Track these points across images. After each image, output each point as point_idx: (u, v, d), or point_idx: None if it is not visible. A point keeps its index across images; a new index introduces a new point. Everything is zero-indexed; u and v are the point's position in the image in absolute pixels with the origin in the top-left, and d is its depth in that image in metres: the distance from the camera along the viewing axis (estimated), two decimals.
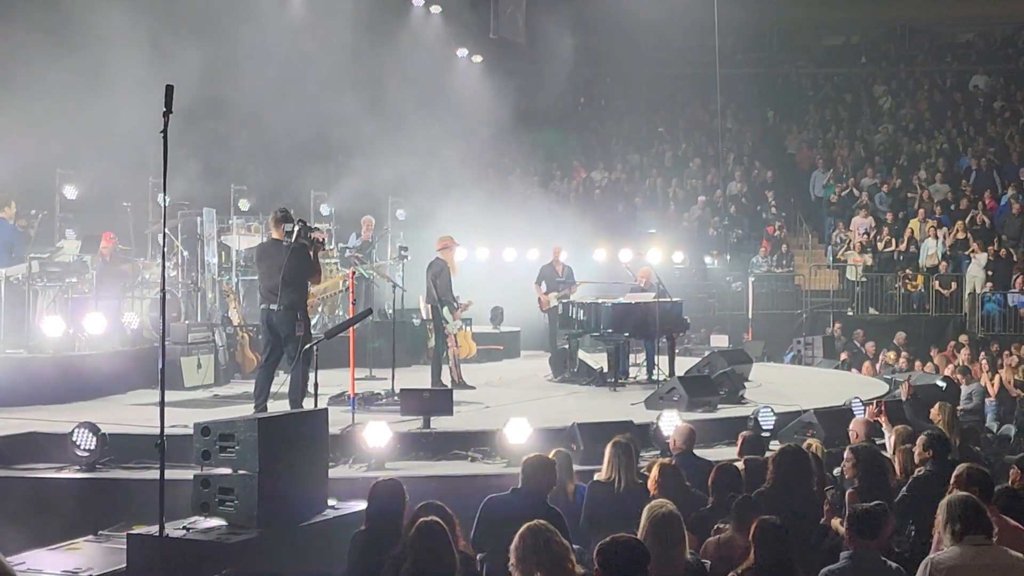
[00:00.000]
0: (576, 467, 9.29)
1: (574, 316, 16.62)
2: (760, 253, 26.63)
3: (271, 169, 21.52)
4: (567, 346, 17.08)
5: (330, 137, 22.38)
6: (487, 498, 7.73)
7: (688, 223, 27.79)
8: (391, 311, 16.24)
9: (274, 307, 11.73)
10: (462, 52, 27.05)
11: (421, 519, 6.46)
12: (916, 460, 8.98)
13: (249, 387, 12.81)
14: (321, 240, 12.33)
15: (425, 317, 15.55)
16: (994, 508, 7.00)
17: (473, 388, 15.17)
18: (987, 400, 18.31)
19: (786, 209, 28.34)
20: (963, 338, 21.93)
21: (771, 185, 29.18)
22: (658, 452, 10.85)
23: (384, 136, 24.14)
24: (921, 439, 9.01)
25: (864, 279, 24.91)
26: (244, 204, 19.17)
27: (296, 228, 11.75)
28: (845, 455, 8.82)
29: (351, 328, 12.13)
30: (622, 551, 5.32)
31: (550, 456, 8.21)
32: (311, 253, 11.85)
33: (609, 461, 8.47)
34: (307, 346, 11.45)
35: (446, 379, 15.07)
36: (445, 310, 14.78)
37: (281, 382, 12.15)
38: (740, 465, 8.83)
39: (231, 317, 16.08)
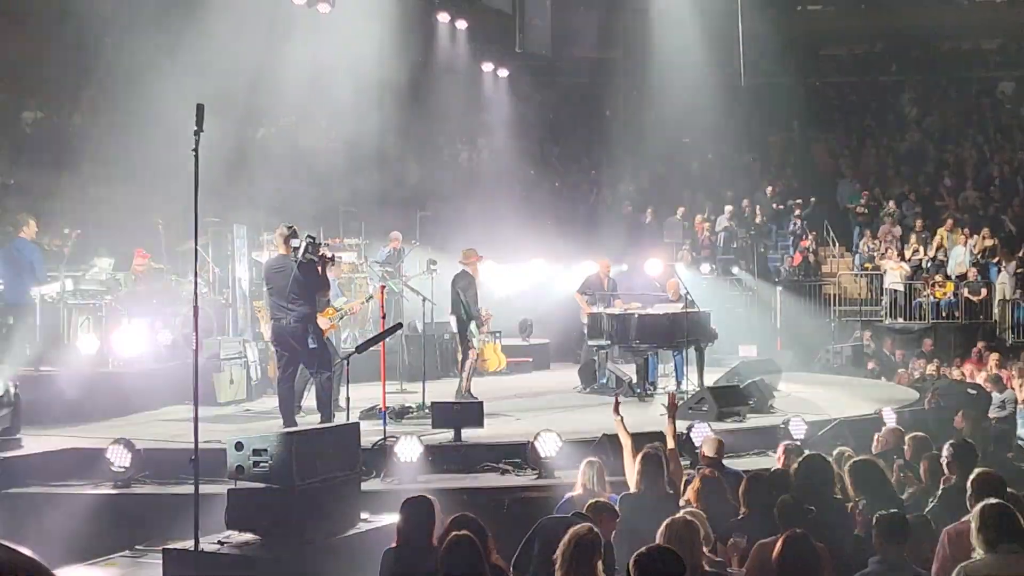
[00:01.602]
0: (607, 478, 9.28)
1: (602, 327, 16.61)
2: (787, 263, 26.54)
3: (301, 185, 21.61)
4: (595, 357, 17.06)
5: (359, 152, 22.46)
6: (543, 520, 7.60)
7: (715, 233, 27.72)
8: (421, 325, 16.30)
9: (284, 321, 11.81)
10: (488, 67, 27.12)
11: (453, 533, 6.44)
12: (944, 470, 8.91)
13: None
14: (330, 256, 12.40)
15: (454, 330, 15.55)
16: None
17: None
18: (1019, 407, 18.15)
19: (813, 218, 28.22)
20: (987, 345, 21.75)
21: (798, 194, 29.08)
22: (688, 463, 10.83)
23: (412, 150, 24.26)
24: (946, 448, 8.93)
25: (900, 287, 24.69)
26: (275, 221, 19.24)
27: (303, 244, 11.80)
28: (847, 470, 8.74)
29: (382, 342, 12.17)
30: (659, 560, 5.32)
31: (583, 465, 8.24)
32: (319, 268, 11.92)
33: (638, 472, 8.46)
34: (339, 360, 11.51)
35: (475, 391, 15.08)
36: (472, 325, 14.76)
37: (310, 396, 12.23)
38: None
39: (262, 332, 16.15)
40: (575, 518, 7.29)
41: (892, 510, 6.64)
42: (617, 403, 9.81)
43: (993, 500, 6.24)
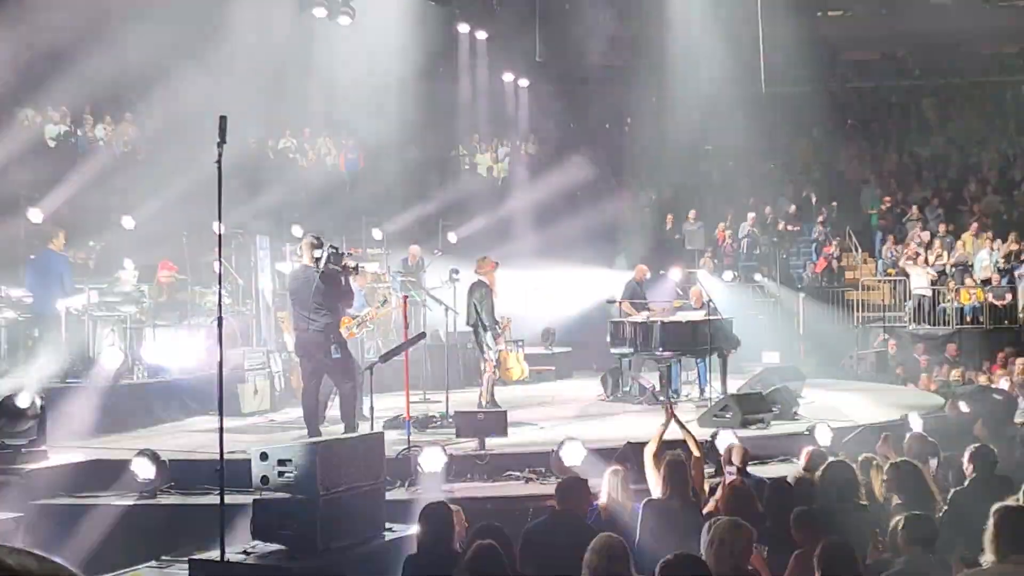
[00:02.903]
0: (632, 486, 9.26)
1: (625, 335, 16.58)
2: (810, 269, 26.46)
3: (323, 195, 21.68)
4: (618, 365, 17.04)
5: (381, 162, 22.54)
6: (525, 529, 7.63)
7: (738, 240, 27.67)
8: (444, 334, 16.30)
9: (307, 332, 11.83)
10: (508, 76, 27.15)
11: (478, 542, 6.43)
12: (965, 473, 8.89)
13: None
14: (353, 266, 12.41)
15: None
16: None
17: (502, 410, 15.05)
18: None
19: (836, 224, 28.14)
20: (1013, 350, 21.61)
21: (820, 201, 29.01)
22: (712, 470, 10.79)
23: (434, 160, 24.30)
24: (967, 452, 8.92)
25: (927, 292, 24.52)
26: (297, 231, 19.32)
27: (326, 254, 11.81)
28: (885, 471, 8.72)
29: (405, 352, 12.18)
30: (685, 568, 5.30)
31: (607, 474, 8.21)
32: (342, 279, 11.93)
33: (663, 479, 8.43)
34: (364, 369, 11.53)
35: (498, 399, 15.05)
36: (488, 336, 14.69)
37: (336, 405, 12.25)
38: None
39: (286, 343, 16.19)
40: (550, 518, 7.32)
41: (921, 512, 6.58)
42: (671, 408, 9.81)
43: (1011, 503, 6.10)
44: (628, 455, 10.82)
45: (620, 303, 17.67)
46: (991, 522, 5.74)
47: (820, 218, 27.84)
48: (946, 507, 8.25)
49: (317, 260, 11.85)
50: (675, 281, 19.09)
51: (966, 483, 8.74)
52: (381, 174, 23.22)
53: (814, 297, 24.97)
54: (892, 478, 8.35)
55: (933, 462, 10.08)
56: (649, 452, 9.19)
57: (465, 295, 15.17)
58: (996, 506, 5.88)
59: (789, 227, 28.08)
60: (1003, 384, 18.71)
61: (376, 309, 15.68)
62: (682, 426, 9.70)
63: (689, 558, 5.39)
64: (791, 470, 10.32)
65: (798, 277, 26.67)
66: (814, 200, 29.20)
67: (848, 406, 15.57)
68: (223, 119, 7.74)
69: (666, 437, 9.49)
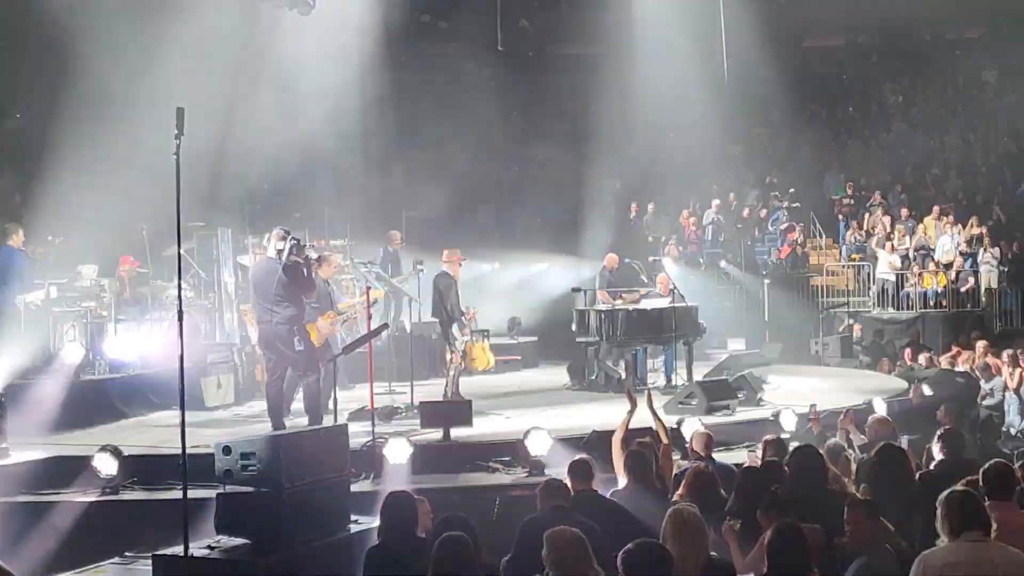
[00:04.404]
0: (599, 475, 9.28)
1: (590, 324, 16.61)
2: (775, 256, 26.57)
3: (285, 187, 21.60)
4: (585, 354, 17.06)
5: (342, 154, 22.42)
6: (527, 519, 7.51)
7: (702, 227, 27.76)
8: (409, 325, 16.28)
9: (270, 324, 11.80)
10: (470, 66, 27.10)
11: (445, 534, 6.40)
12: (934, 456, 8.99)
13: None
14: (315, 257, 12.37)
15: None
16: (1014, 504, 6.98)
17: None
18: (1009, 394, 18.21)
19: (799, 211, 28.25)
20: (976, 333, 21.81)
21: (783, 186, 29.11)
22: (679, 457, 10.84)
23: (396, 151, 24.23)
24: (936, 435, 9.03)
25: (891, 276, 24.65)
26: (258, 224, 19.22)
27: (288, 246, 11.78)
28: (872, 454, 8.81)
29: (368, 343, 12.15)
30: (646, 556, 5.33)
31: (574, 461, 8.26)
32: (304, 270, 11.90)
33: (626, 468, 8.46)
34: (327, 361, 11.52)
35: (463, 390, 15.03)
36: (454, 327, 14.67)
37: (299, 398, 12.22)
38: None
39: (249, 336, 16.12)
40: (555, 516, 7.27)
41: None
42: (650, 396, 9.88)
43: (959, 488, 6.26)
44: (594, 444, 10.86)
45: (598, 292, 17.73)
46: (940, 509, 6.02)
47: (783, 204, 27.95)
48: (917, 488, 8.32)
49: (280, 252, 11.82)
50: (638, 269, 19.13)
51: (933, 466, 8.84)
52: (343, 166, 23.12)
53: (779, 283, 25.09)
54: (873, 464, 8.45)
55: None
56: (616, 440, 9.23)
57: (430, 286, 15.14)
58: (942, 494, 6.11)
59: (756, 214, 28.17)
60: (966, 367, 18.90)
61: (355, 302, 15.63)
62: (654, 414, 9.74)
63: (650, 545, 5.41)
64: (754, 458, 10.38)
65: (763, 263, 26.78)
66: (779, 185, 29.30)
67: (813, 391, 15.66)
68: (180, 111, 7.70)
69: (633, 425, 9.53)
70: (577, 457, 8.53)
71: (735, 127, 30.64)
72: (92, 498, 10.43)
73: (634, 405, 9.54)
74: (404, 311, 17.27)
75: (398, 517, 7.27)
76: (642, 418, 9.68)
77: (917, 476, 8.55)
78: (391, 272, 18.07)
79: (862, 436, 10.79)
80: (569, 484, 8.09)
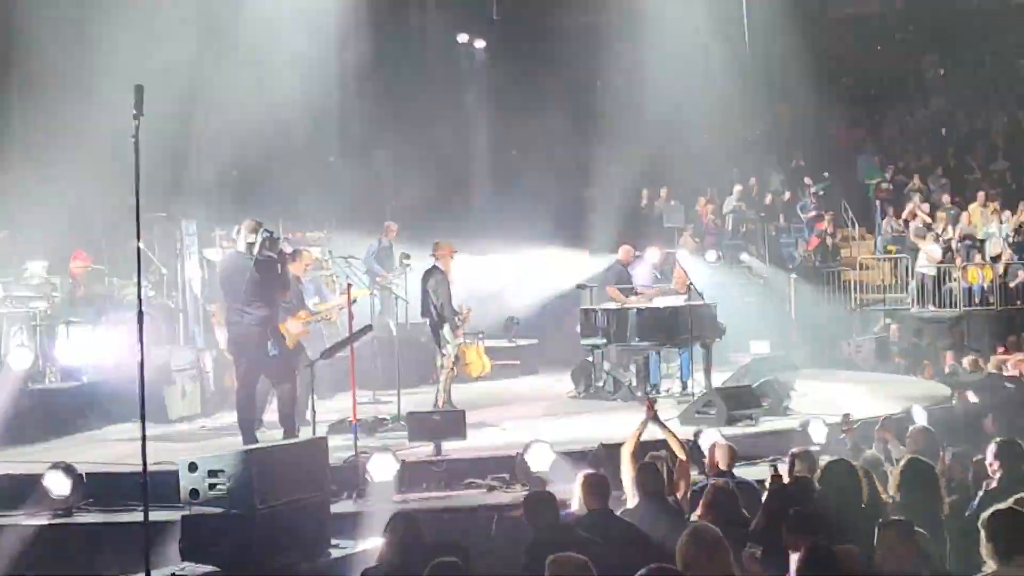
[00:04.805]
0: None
1: (597, 324, 16.60)
2: (802, 247, 26.57)
3: (256, 172, 21.58)
4: (590, 358, 17.06)
5: (319, 133, 22.38)
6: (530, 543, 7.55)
7: (722, 217, 27.76)
8: (395, 326, 16.27)
9: (241, 326, 11.79)
10: (463, 38, 27.08)
11: (439, 559, 6.38)
12: (990, 472, 8.94)
13: None
14: (290, 252, 12.36)
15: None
16: None
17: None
18: None
19: (829, 197, 28.22)
20: None
21: (811, 170, 29.09)
22: (696, 472, 10.84)
23: (380, 133, 24.18)
24: (992, 447, 8.94)
25: (931, 271, 24.51)
26: (227, 213, 19.17)
27: (260, 239, 11.76)
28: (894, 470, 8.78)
29: (350, 346, 12.13)
30: None
31: (589, 475, 8.26)
32: (278, 266, 11.90)
33: (636, 485, 8.46)
34: (306, 366, 11.50)
35: (456, 399, 15.01)
36: (446, 328, 14.67)
37: (272, 408, 12.22)
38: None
39: (217, 339, 16.09)
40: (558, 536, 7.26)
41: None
42: (652, 406, 9.81)
43: (1003, 506, 6.18)
44: (602, 458, 10.85)
45: (607, 289, 17.68)
46: (985, 530, 5.89)
47: (812, 190, 27.93)
48: (976, 507, 8.28)
49: (251, 245, 11.80)
50: (653, 263, 19.10)
51: (994, 483, 8.73)
52: (321, 149, 23.08)
53: (807, 278, 25.07)
54: (901, 477, 8.42)
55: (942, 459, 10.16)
56: (626, 454, 9.22)
57: (419, 283, 15.13)
58: (985, 513, 6.03)
59: (781, 201, 28.16)
60: (1015, 372, 18.88)
61: (340, 308, 15.58)
62: (663, 427, 9.73)
63: (666, 571, 5.40)
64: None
65: (789, 256, 26.78)
66: (807, 169, 29.29)
67: (845, 399, 15.66)
68: (139, 89, 7.69)
69: (647, 437, 9.52)
70: (591, 471, 8.53)
71: (757, 104, 30.64)
72: (43, 521, 10.42)
73: (650, 414, 9.52)
74: (391, 310, 17.27)
75: (404, 541, 7.22)
76: (651, 429, 9.67)
77: (978, 493, 8.50)
78: (387, 268, 18.10)
79: (901, 447, 10.79)
80: (581, 500, 8.10)
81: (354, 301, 14.13)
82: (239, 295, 11.75)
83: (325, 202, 21.34)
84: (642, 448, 9.32)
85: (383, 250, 18.85)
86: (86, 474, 10.69)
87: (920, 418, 12.77)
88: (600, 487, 8.19)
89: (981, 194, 26.07)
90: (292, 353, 12.54)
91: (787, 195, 28.55)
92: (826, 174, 28.53)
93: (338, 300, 15.12)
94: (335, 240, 19.86)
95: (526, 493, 8.25)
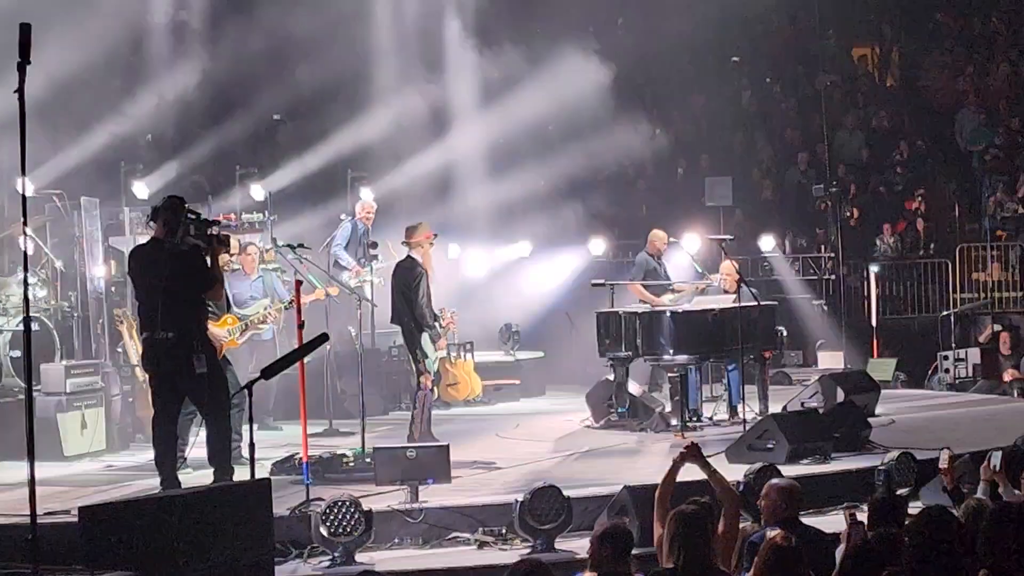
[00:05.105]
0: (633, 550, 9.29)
1: (620, 332, 16.58)
2: (885, 232, 26.56)
3: (178, 135, 21.58)
4: (611, 376, 17.05)
5: (261, 93, 22.39)
6: None
7: (781, 191, 27.77)
8: (359, 336, 16.24)
9: (161, 336, 11.74)
10: None
11: None
12: None
13: None
14: (224, 238, 12.33)
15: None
16: None
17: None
18: None
19: (920, 167, 28.21)
20: None
21: (898, 134, 29.09)
22: (749, 522, 10.84)
23: (339, 91, 24.15)
24: None
25: None
26: (141, 190, 19.16)
27: (183, 223, 11.73)
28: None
29: (301, 363, 12.10)
30: None
31: (607, 529, 8.25)
32: (207, 257, 11.87)
33: (672, 541, 8.44)
34: (240, 389, 11.47)
35: (437, 431, 14.99)
36: (424, 337, 14.66)
37: (199, 442, 12.21)
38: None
39: (128, 353, 16.08)
40: None
41: None
42: (694, 448, 9.74)
43: None
44: (627, 506, 10.84)
45: (630, 287, 17.66)
46: None
47: (897, 157, 27.90)
48: None
49: (172, 232, 11.77)
50: (692, 254, 19.06)
51: None
52: (262, 109, 23.08)
53: (891, 271, 25.08)
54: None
55: None
56: (660, 499, 9.20)
57: (389, 280, 15.12)
58: None
59: (852, 173, 28.17)
60: None
61: (277, 311, 15.56)
62: (706, 466, 9.70)
63: None
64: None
65: (868, 243, 26.76)
66: (893, 132, 29.30)
67: (943, 428, 15.65)
68: (25, 29, 7.70)
69: (685, 476, 9.50)
70: (607, 523, 8.51)
71: (827, 48, 30.64)
72: None
73: (692, 452, 9.49)
74: (351, 315, 17.20)
75: None
76: (692, 469, 9.64)
77: None
78: (361, 261, 18.04)
79: (1016, 492, 10.79)
80: (595, 560, 8.10)
81: (289, 304, 14.18)
82: (158, 295, 11.72)
83: (264, 176, 21.31)
84: (680, 491, 9.30)
85: (357, 238, 18.71)
86: None
87: None
88: (618, 542, 8.17)
89: None
90: (224, 371, 12.54)
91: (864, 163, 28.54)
92: (916, 140, 28.54)
93: (279, 303, 15.16)
94: (283, 224, 19.87)
95: (516, 560, 8.22)
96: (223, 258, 13.71)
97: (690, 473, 9.53)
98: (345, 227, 18.95)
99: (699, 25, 26.97)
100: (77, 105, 18.89)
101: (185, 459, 12.88)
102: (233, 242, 14.72)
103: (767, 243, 24.74)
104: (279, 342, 16.16)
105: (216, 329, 12.75)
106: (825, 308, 24.59)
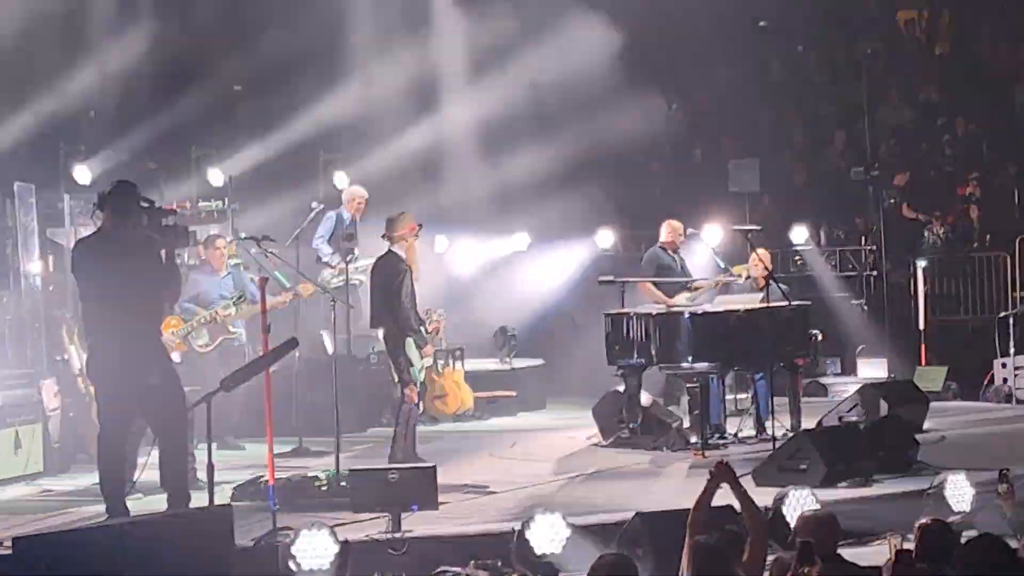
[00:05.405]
0: None
1: (631, 337, 16.57)
2: (935, 223, 26.58)
3: (126, 109, 21.61)
4: (621, 387, 17.05)
5: (219, 63, 22.41)
6: None
7: (815, 177, 27.79)
8: (332, 341, 16.24)
9: (108, 343, 11.73)
10: None
11: None
12: None
13: None
14: (182, 230, 12.31)
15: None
16: None
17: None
18: None
19: (975, 148, 28.23)
20: None
21: (949, 109, 29.12)
22: (779, 552, 10.85)
23: (308, 60, 24.20)
24: None
25: None
26: (84, 174, 19.17)
27: (135, 212, 11.71)
28: None
29: (266, 371, 12.09)
30: None
31: (608, 561, 8.26)
32: (163, 252, 11.85)
33: (693, 571, 8.44)
34: (197, 403, 11.46)
35: (423, 450, 14.99)
36: (409, 343, 14.65)
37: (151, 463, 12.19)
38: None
39: (70, 362, 16.07)
40: None
41: None
42: (727, 468, 9.68)
43: None
44: (640, 535, 10.84)
45: (640, 285, 17.66)
46: None
47: (946, 138, 27.91)
48: None
49: (121, 223, 11.76)
50: (713, 247, 19.04)
51: None
52: (221, 82, 23.10)
53: (940, 267, 25.10)
54: None
55: None
56: (691, 528, 9.19)
57: (368, 278, 15.12)
58: None
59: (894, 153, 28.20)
60: None
61: (226, 311, 15.56)
62: (737, 486, 9.68)
63: None
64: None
65: (914, 235, 26.78)
66: (943, 107, 29.33)
67: (1000, 447, 15.66)
68: None
69: (718, 501, 9.49)
70: (609, 554, 8.52)
71: (869, 11, 30.65)
72: None
73: (723, 472, 9.45)
74: (325, 318, 17.19)
75: None
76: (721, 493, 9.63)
77: None
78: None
79: None
80: None
81: (240, 298, 14.20)
82: (105, 296, 11.70)
83: (228, 157, 21.34)
84: (712, 519, 9.29)
85: (342, 229, 18.64)
86: None
87: None
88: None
89: None
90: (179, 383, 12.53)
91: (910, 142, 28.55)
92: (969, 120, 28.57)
93: (237, 304, 15.17)
94: (245, 214, 19.89)
95: None
96: (216, 258, 13.76)
97: (716, 497, 9.52)
98: (329, 218, 18.89)
99: None
100: (8, 78, 18.90)
101: (134, 483, 12.86)
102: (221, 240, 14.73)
103: (799, 234, 24.72)
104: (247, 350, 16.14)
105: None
106: (865, 308, 24.66)
